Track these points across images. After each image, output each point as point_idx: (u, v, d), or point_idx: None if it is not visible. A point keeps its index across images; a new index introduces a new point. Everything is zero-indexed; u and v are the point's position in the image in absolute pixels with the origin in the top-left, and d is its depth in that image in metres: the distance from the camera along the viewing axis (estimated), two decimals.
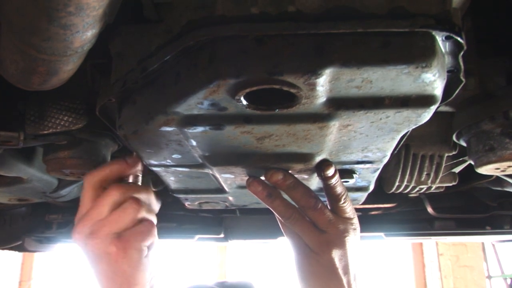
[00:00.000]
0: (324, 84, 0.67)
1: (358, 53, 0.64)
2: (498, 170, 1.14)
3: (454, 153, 1.31)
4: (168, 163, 0.95)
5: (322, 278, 0.96)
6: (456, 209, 1.87)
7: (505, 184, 1.49)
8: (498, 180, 1.50)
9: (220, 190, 1.14)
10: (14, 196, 1.49)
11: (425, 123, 0.79)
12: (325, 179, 0.92)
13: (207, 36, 0.66)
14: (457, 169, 1.42)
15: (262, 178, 0.95)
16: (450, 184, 1.44)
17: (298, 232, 0.96)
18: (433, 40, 0.66)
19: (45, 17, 0.61)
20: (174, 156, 0.91)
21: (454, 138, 1.20)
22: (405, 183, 1.40)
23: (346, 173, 1.00)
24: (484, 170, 1.14)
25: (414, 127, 0.81)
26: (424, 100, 0.72)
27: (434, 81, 0.68)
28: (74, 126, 1.05)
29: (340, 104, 0.72)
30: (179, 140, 0.83)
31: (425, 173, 1.36)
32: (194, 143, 0.84)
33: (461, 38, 0.67)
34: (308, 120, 0.76)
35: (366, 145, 0.88)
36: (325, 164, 0.91)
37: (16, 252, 2.22)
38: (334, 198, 0.94)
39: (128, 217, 0.85)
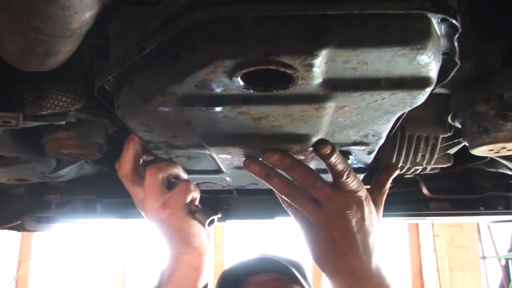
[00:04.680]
0: (320, 65, 0.68)
1: (354, 35, 0.65)
2: (492, 152, 1.15)
3: (449, 134, 1.32)
4: (166, 143, 0.96)
5: (328, 252, 0.97)
6: (451, 190, 1.89)
7: (499, 165, 1.50)
8: (492, 162, 1.51)
9: (218, 171, 1.15)
10: (13, 176, 1.50)
11: (420, 105, 0.80)
12: (323, 158, 0.92)
13: (205, 17, 0.66)
14: (452, 151, 1.43)
15: (260, 159, 0.96)
16: (445, 166, 1.45)
17: (299, 208, 0.98)
18: (428, 22, 0.67)
19: None
20: (172, 135, 0.91)
21: (449, 119, 1.21)
22: (400, 164, 1.41)
23: (342, 155, 1.00)
24: (478, 151, 1.15)
25: (409, 109, 0.81)
26: (419, 82, 0.73)
27: (429, 63, 0.69)
28: (72, 107, 1.06)
29: (336, 85, 0.73)
30: (177, 120, 0.84)
31: (420, 154, 1.37)
32: (191, 123, 0.84)
33: (456, 20, 0.68)
34: (304, 101, 0.76)
35: (361, 126, 0.89)
36: (321, 143, 0.91)
37: (15, 232, 2.23)
38: (337, 175, 0.94)
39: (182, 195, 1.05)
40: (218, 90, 0.73)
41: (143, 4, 0.77)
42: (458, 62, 0.77)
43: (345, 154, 1.01)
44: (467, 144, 1.17)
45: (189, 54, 0.70)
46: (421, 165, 1.41)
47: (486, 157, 1.47)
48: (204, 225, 1.07)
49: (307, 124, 0.85)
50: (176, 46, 0.72)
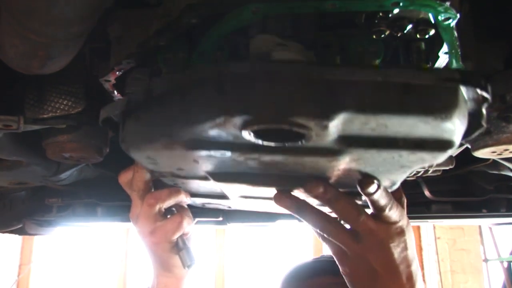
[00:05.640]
0: (336, 125, 0.65)
1: (374, 100, 0.62)
2: (495, 154, 1.15)
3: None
4: (171, 174, 0.94)
5: (368, 285, 0.93)
6: (453, 192, 1.89)
7: (502, 167, 1.49)
8: (494, 164, 1.51)
9: (224, 196, 1.12)
10: (14, 179, 1.49)
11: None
12: (367, 195, 0.86)
13: (218, 71, 0.65)
14: (454, 153, 1.43)
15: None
16: (447, 168, 1.45)
17: (335, 241, 0.92)
18: (456, 91, 0.64)
19: (45, 1, 0.61)
20: (177, 169, 0.90)
21: None
22: None
23: (353, 195, 0.94)
24: (480, 153, 1.15)
25: (427, 166, 0.79)
26: (441, 144, 0.70)
27: (453, 129, 0.66)
28: (73, 110, 1.06)
29: (351, 142, 0.70)
30: (183, 158, 0.81)
31: None
32: (198, 162, 0.82)
33: (487, 93, 0.66)
34: (317, 153, 0.73)
35: (376, 174, 0.84)
36: (367, 181, 0.84)
37: (16, 236, 2.23)
38: (379, 209, 0.88)
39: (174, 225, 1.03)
40: (227, 138, 0.71)
41: (143, 6, 0.77)
42: (484, 125, 0.73)
43: (357, 195, 0.93)
44: (469, 146, 1.17)
45: (199, 103, 0.68)
46: (423, 167, 1.41)
47: (488, 159, 1.46)
48: (183, 266, 1.05)
49: (318, 171, 0.82)
50: (186, 90, 0.70)
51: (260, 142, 0.68)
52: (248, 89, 0.64)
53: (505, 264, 5.71)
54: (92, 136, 1.17)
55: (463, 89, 0.65)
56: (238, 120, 0.64)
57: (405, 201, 0.97)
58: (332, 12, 0.71)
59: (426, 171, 1.45)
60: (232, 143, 0.72)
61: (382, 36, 0.77)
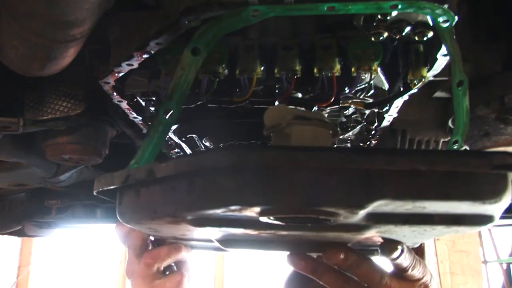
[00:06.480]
0: (368, 209, 0.58)
1: (414, 187, 0.55)
2: None
3: (450, 138, 1.32)
4: (174, 238, 0.89)
5: None
6: None
7: None
8: None
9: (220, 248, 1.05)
10: (13, 181, 1.50)
11: (421, 108, 0.78)
12: (389, 260, 0.82)
13: (234, 159, 0.55)
14: None
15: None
16: None
17: None
18: (507, 176, 0.58)
19: (44, 3, 0.61)
20: (181, 234, 0.83)
21: (450, 123, 1.21)
22: None
23: (370, 252, 0.88)
24: None
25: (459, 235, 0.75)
26: (481, 220, 0.64)
27: (499, 208, 0.61)
28: (73, 112, 1.06)
29: (381, 219, 0.62)
30: (188, 229, 0.73)
31: None
32: (205, 233, 0.75)
33: None
34: (341, 230, 0.67)
35: (400, 239, 0.79)
36: (391, 247, 0.79)
37: (15, 238, 2.23)
38: (402, 270, 0.84)
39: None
40: (241, 218, 0.62)
41: (143, 9, 0.77)
42: None
43: (372, 252, 0.89)
44: (467, 148, 1.17)
45: (209, 189, 0.58)
46: None
47: None
48: None
49: (339, 241, 0.77)
50: (196, 178, 0.59)
51: (280, 223, 0.60)
52: (269, 179, 0.55)
53: (504, 266, 5.71)
54: (91, 138, 1.18)
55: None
56: (257, 209, 0.57)
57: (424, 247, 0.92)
58: (330, 14, 0.71)
59: None
60: (246, 221, 0.63)
61: (381, 38, 0.77)
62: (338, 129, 0.70)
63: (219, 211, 0.58)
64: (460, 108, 0.78)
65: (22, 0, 0.63)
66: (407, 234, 0.72)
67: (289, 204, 0.55)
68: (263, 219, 0.58)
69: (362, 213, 0.57)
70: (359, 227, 0.65)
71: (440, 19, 0.72)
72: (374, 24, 0.76)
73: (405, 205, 0.57)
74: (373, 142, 1.30)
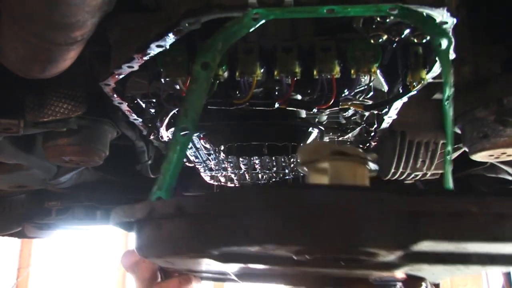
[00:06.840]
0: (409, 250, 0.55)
1: (462, 229, 0.52)
2: (492, 157, 1.15)
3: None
4: (188, 270, 0.85)
5: None
6: None
7: (499, 171, 1.50)
8: (492, 167, 1.51)
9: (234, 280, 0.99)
10: (14, 183, 1.50)
11: (420, 110, 0.78)
12: None
13: (264, 198, 0.53)
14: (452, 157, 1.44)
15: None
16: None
17: None
18: None
19: (46, 6, 0.62)
20: (197, 268, 0.79)
21: None
22: (400, 169, 1.41)
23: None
24: (478, 157, 1.15)
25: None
26: None
27: None
28: (73, 114, 1.06)
29: (416, 258, 0.59)
30: (209, 264, 0.68)
31: (421, 160, 1.37)
32: (227, 271, 0.72)
33: None
34: (373, 268, 0.63)
35: (424, 275, 0.75)
36: (414, 285, 0.76)
37: (15, 239, 2.23)
38: None
39: None
40: (272, 255, 0.58)
41: (143, 11, 0.77)
42: None
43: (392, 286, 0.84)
44: (467, 150, 1.18)
45: (248, 226, 0.54)
46: (421, 170, 1.41)
47: (486, 163, 1.47)
48: None
49: (362, 277, 0.73)
50: (225, 214, 0.56)
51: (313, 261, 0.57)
52: (313, 218, 0.52)
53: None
54: (92, 140, 1.18)
55: None
56: (294, 248, 0.53)
57: None
58: (330, 17, 0.71)
59: (424, 174, 1.46)
60: (275, 258, 0.60)
61: (380, 40, 0.77)
62: (374, 166, 0.67)
63: (252, 249, 0.55)
64: (447, 119, 0.78)
65: (23, 2, 0.63)
66: (436, 272, 0.69)
67: (331, 244, 0.52)
68: (299, 258, 0.55)
69: (401, 252, 0.54)
70: (392, 265, 0.61)
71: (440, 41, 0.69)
72: (374, 26, 0.77)
73: (448, 246, 0.54)
74: (373, 143, 1.31)
